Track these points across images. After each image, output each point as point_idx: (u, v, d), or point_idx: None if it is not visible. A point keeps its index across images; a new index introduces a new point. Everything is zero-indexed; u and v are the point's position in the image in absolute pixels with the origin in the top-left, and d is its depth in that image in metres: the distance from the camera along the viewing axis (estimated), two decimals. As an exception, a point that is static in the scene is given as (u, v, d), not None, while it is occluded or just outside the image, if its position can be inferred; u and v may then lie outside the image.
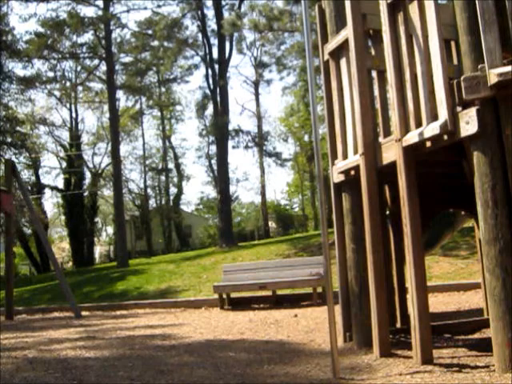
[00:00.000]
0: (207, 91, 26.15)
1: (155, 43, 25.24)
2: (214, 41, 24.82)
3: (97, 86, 30.82)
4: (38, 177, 33.59)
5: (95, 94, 31.89)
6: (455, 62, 5.01)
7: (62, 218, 36.51)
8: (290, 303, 9.47)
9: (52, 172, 37.66)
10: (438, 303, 7.67)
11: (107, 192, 36.52)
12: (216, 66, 23.84)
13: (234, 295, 10.06)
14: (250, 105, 49.52)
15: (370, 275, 4.40)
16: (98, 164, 36.72)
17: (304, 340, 5.64)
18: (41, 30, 24.11)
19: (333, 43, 4.98)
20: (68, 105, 33.69)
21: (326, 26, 5.20)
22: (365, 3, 4.68)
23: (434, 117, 3.76)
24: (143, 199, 38.11)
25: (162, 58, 25.16)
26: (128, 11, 26.45)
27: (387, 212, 5.47)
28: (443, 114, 3.63)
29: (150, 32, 24.99)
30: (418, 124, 3.92)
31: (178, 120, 39.38)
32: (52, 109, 33.47)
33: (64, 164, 34.78)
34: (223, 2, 24.39)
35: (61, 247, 42.87)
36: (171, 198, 39.25)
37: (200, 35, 25.25)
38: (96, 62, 26.84)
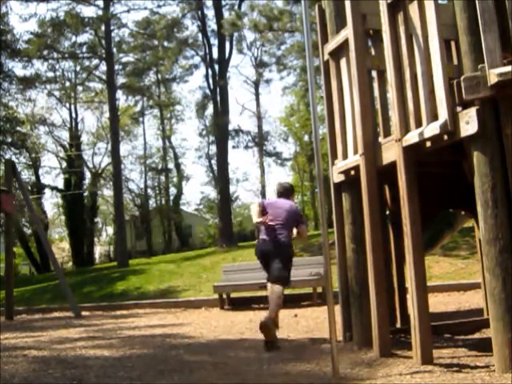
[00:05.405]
0: (207, 91, 26.17)
1: (155, 43, 25.25)
2: (214, 41, 24.85)
3: (97, 86, 30.82)
4: (38, 177, 33.56)
5: (95, 94, 31.88)
6: (455, 62, 5.01)
7: (62, 218, 36.51)
8: (290, 303, 9.46)
9: (52, 172, 37.66)
10: (438, 303, 7.67)
11: (107, 192, 36.53)
12: (216, 66, 23.83)
13: (234, 295, 10.05)
14: (250, 105, 49.50)
15: (370, 275, 4.40)
16: (98, 164, 36.71)
17: (304, 340, 5.64)
18: (40, 29, 24.11)
19: (333, 43, 4.98)
20: (68, 105, 33.65)
21: (326, 26, 5.20)
22: (365, 3, 4.68)
23: (434, 117, 3.76)
24: (143, 199, 38.07)
25: (162, 58, 25.15)
26: (128, 11, 26.40)
27: (387, 212, 5.47)
28: (443, 113, 3.63)
29: (149, 32, 24.99)
30: (418, 124, 3.92)
31: (178, 120, 39.31)
32: (52, 109, 33.47)
33: (64, 164, 34.74)
34: (223, 2, 24.38)
35: (61, 247, 42.84)
36: (171, 198, 39.23)
37: (200, 35, 25.27)
38: (96, 61, 26.84)
